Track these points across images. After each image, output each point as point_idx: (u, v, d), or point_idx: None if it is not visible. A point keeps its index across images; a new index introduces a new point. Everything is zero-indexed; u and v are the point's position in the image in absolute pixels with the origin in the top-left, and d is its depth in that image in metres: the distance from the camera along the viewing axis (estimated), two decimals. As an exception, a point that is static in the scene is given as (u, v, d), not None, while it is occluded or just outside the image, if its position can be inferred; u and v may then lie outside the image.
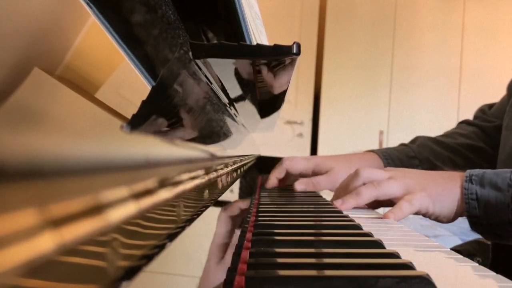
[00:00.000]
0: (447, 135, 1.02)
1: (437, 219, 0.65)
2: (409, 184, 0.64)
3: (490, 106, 1.05)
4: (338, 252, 0.34)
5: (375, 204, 0.70)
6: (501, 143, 0.87)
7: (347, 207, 0.63)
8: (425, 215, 0.65)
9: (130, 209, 0.14)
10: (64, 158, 0.12)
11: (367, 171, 0.68)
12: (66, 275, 0.10)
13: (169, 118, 0.27)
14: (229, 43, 0.37)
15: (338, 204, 0.63)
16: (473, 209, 0.62)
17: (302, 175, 0.91)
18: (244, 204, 0.44)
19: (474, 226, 0.64)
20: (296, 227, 0.46)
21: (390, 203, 0.66)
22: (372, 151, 0.97)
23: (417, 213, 0.64)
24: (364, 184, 0.66)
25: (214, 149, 0.40)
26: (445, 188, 0.64)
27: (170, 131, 0.27)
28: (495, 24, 2.79)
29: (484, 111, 1.04)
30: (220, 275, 0.31)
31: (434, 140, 0.99)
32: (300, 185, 0.84)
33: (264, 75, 0.45)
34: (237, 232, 0.36)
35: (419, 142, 0.99)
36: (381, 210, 0.71)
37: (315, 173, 0.89)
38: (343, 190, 0.69)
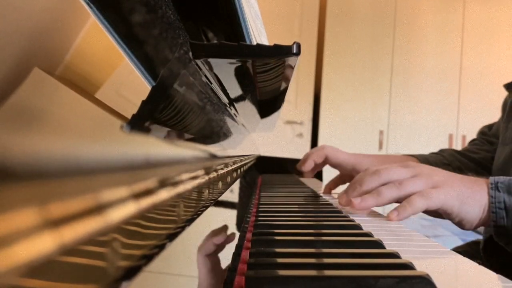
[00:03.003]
0: (468, 149, 1.03)
1: (460, 223, 0.60)
2: (436, 181, 0.59)
3: (490, 126, 1.06)
4: (338, 252, 0.34)
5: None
6: (495, 157, 0.88)
7: (366, 206, 0.59)
8: (449, 215, 0.60)
9: (130, 209, 0.14)
10: (64, 158, 0.12)
11: (388, 171, 0.62)
12: (66, 275, 0.10)
13: (169, 118, 0.27)
14: (229, 43, 0.37)
15: (356, 202, 0.59)
16: (500, 219, 0.58)
17: (340, 168, 0.87)
18: (218, 238, 0.41)
19: (500, 236, 0.59)
20: (296, 227, 0.46)
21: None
22: (411, 155, 0.97)
23: (439, 212, 0.59)
24: (383, 184, 0.60)
25: (214, 149, 0.40)
26: (473, 191, 0.59)
27: (170, 131, 0.27)
28: (495, 24, 2.79)
29: (485, 133, 1.05)
30: None
31: (460, 152, 1.00)
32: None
33: (264, 75, 0.45)
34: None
35: (447, 152, 1.00)
36: (380, 210, 0.71)
37: (355, 170, 0.85)
38: (359, 185, 0.62)
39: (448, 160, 0.96)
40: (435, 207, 0.58)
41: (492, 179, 0.60)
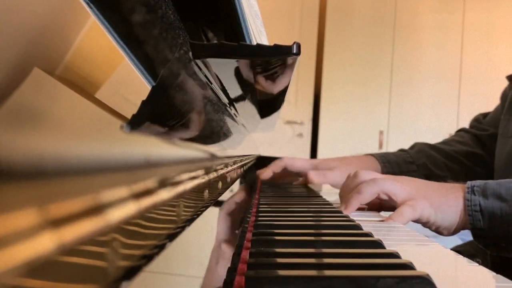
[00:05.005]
0: (445, 142, 1.04)
1: (438, 230, 0.63)
2: (411, 191, 0.62)
3: (485, 115, 1.07)
4: (338, 252, 0.34)
5: (376, 207, 0.69)
6: (497, 151, 0.88)
7: (352, 209, 0.62)
8: (426, 224, 0.63)
9: (130, 209, 0.14)
10: (64, 158, 0.12)
11: (367, 172, 0.66)
12: (66, 275, 0.10)
13: (169, 118, 0.27)
14: (229, 43, 0.37)
15: (342, 208, 0.62)
16: (477, 222, 0.59)
17: (300, 175, 0.93)
18: (240, 198, 0.44)
19: (478, 238, 0.61)
20: (296, 227, 0.46)
21: (391, 207, 0.64)
22: (371, 155, 0.98)
23: (417, 221, 0.62)
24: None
25: (214, 149, 0.40)
26: (447, 198, 0.62)
27: (170, 131, 0.27)
28: (495, 24, 2.79)
29: (479, 120, 1.06)
30: (222, 273, 0.31)
31: (432, 146, 1.01)
32: (313, 176, 0.84)
33: (264, 75, 0.45)
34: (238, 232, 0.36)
35: (417, 148, 1.00)
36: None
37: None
38: (344, 193, 0.67)
39: (413, 158, 0.97)
40: (417, 218, 0.60)
41: (468, 183, 0.62)
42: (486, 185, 0.61)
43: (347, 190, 0.66)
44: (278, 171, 0.91)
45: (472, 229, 0.60)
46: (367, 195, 0.62)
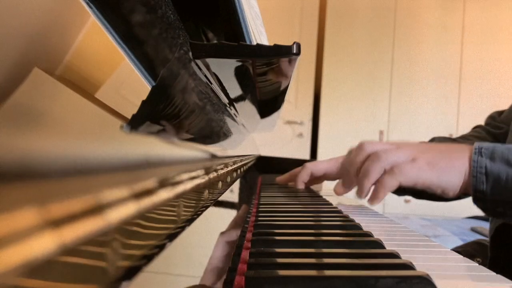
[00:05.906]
0: (463, 136, 1.03)
1: (443, 192, 0.62)
2: (414, 154, 0.62)
3: (500, 113, 1.06)
4: (338, 252, 0.34)
5: None
6: (508, 143, 0.88)
7: (365, 193, 0.63)
8: (429, 188, 0.62)
9: (130, 209, 0.14)
10: (64, 158, 0.12)
11: (370, 144, 0.66)
12: (66, 275, 0.10)
13: (169, 118, 0.27)
14: (229, 43, 0.37)
15: (361, 195, 0.63)
16: (480, 184, 0.59)
17: (327, 176, 0.91)
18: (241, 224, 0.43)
19: (478, 201, 0.60)
20: (296, 227, 0.46)
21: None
22: None
23: (418, 187, 0.61)
24: (368, 156, 0.65)
25: (214, 149, 0.40)
26: (452, 159, 0.61)
27: (170, 131, 0.27)
28: (495, 24, 2.79)
29: (494, 118, 1.06)
30: None
31: (452, 140, 1.01)
32: (340, 190, 0.81)
33: (264, 75, 0.45)
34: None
35: (436, 140, 1.01)
36: (380, 209, 0.71)
37: (341, 171, 0.89)
38: (349, 165, 0.68)
39: None
40: (410, 183, 0.60)
41: (476, 144, 0.61)
42: (495, 148, 0.59)
43: (352, 165, 0.67)
44: (307, 180, 0.89)
45: (474, 191, 0.60)
46: (375, 174, 0.62)
